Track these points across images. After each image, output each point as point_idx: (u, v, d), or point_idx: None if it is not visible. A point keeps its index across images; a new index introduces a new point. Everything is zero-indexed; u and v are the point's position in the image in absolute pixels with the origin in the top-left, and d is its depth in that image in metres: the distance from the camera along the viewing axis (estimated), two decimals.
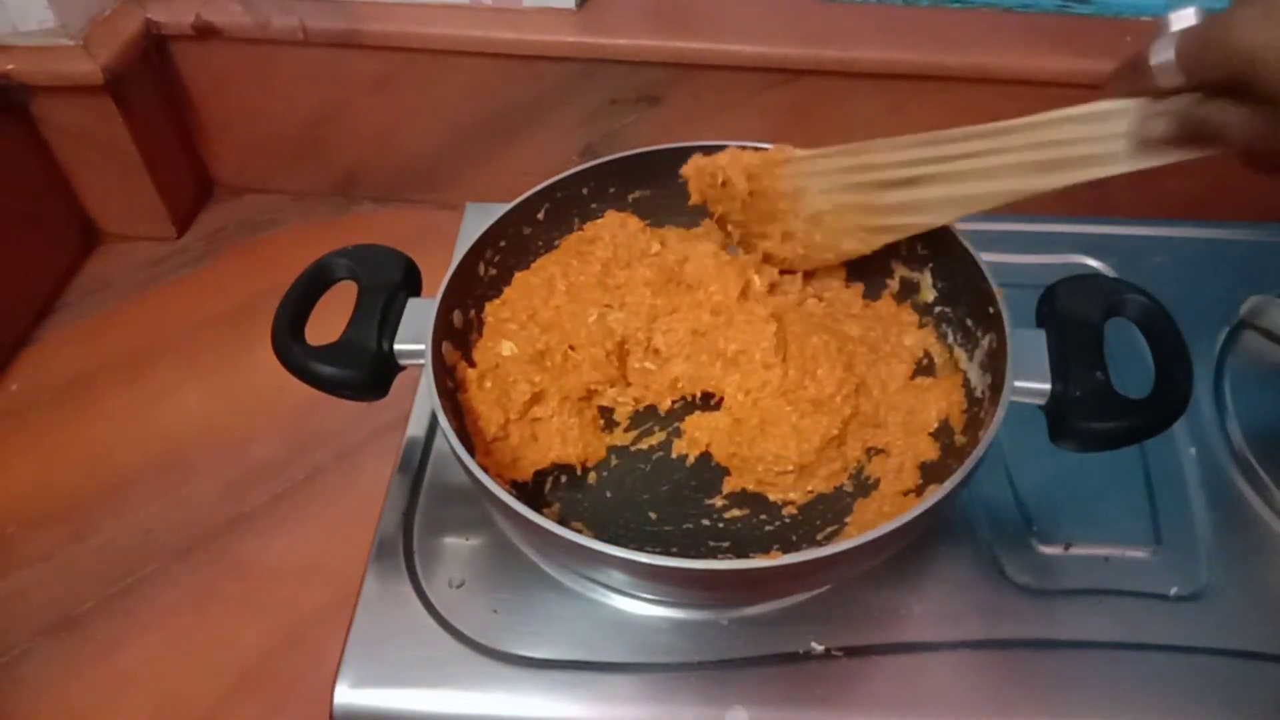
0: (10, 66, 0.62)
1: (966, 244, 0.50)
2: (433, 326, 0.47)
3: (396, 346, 0.47)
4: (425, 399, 0.58)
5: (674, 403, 0.53)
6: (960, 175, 0.46)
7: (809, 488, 0.50)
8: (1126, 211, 0.74)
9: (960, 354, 0.52)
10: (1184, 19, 0.36)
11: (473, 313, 0.53)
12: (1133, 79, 0.38)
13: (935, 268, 0.54)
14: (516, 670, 0.46)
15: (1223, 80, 0.34)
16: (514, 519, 0.40)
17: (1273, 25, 0.32)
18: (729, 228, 0.56)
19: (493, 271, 0.54)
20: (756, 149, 0.54)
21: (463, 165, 0.77)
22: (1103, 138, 0.41)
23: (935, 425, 0.50)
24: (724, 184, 0.53)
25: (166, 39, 0.69)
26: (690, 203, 0.56)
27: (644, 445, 0.53)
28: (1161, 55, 0.36)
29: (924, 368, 0.53)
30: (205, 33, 0.68)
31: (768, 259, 0.55)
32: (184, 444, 0.60)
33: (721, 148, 0.57)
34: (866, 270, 0.59)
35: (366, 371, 0.46)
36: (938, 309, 0.55)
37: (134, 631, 0.51)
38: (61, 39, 0.63)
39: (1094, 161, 0.41)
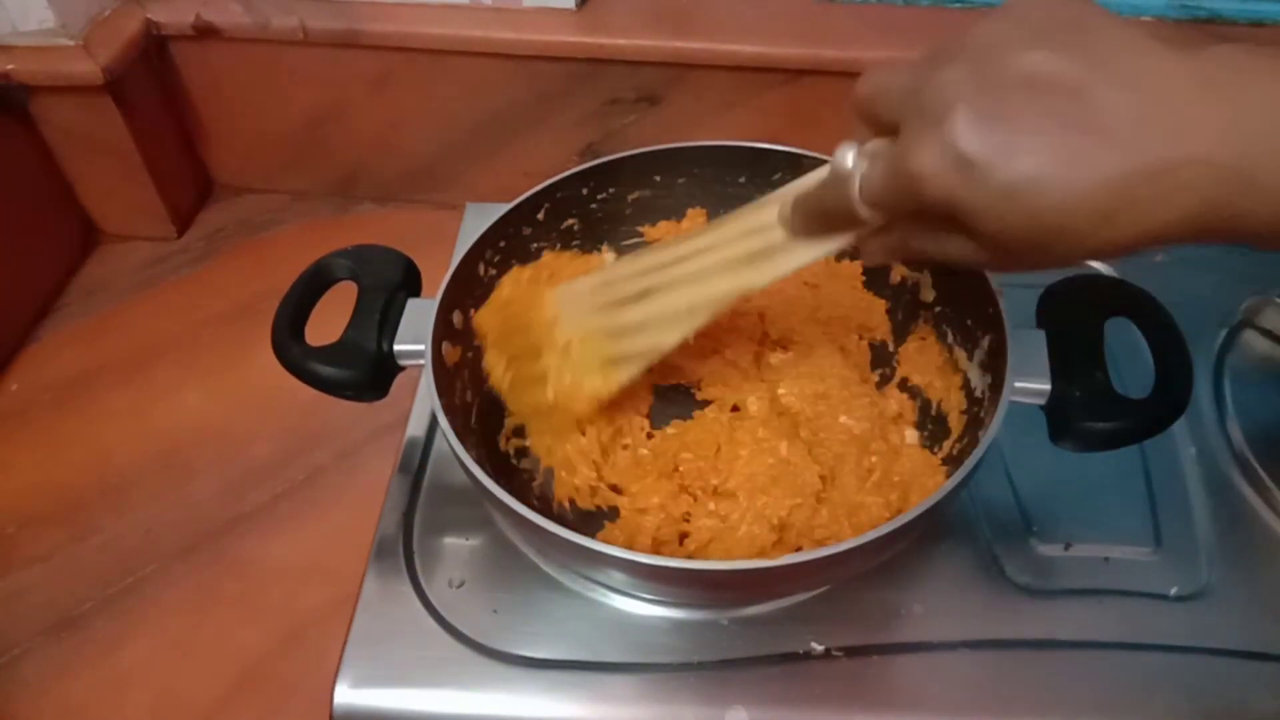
0: (10, 66, 0.62)
1: None
2: (433, 327, 0.47)
3: (396, 347, 0.47)
4: (425, 399, 0.58)
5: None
6: (680, 282, 0.44)
7: None
8: None
9: (960, 354, 0.52)
10: (852, 159, 0.33)
11: (473, 311, 0.53)
12: (832, 209, 0.35)
13: (935, 267, 0.54)
14: (516, 670, 0.46)
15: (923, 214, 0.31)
16: (514, 519, 0.40)
17: (960, 168, 0.27)
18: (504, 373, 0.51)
19: (492, 271, 0.54)
20: (756, 147, 0.54)
21: (463, 165, 0.77)
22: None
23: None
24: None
25: (166, 39, 0.69)
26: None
27: None
28: (853, 193, 0.32)
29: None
30: (205, 33, 0.68)
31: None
32: (184, 444, 0.60)
33: (721, 148, 0.58)
34: (867, 272, 0.59)
35: (366, 372, 0.46)
36: (938, 309, 0.55)
37: (134, 631, 0.51)
38: (61, 39, 0.63)
39: (782, 252, 0.39)
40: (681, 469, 0.50)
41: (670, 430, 0.52)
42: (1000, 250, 0.30)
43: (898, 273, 0.57)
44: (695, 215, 0.60)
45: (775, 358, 0.56)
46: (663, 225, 0.61)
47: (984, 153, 0.27)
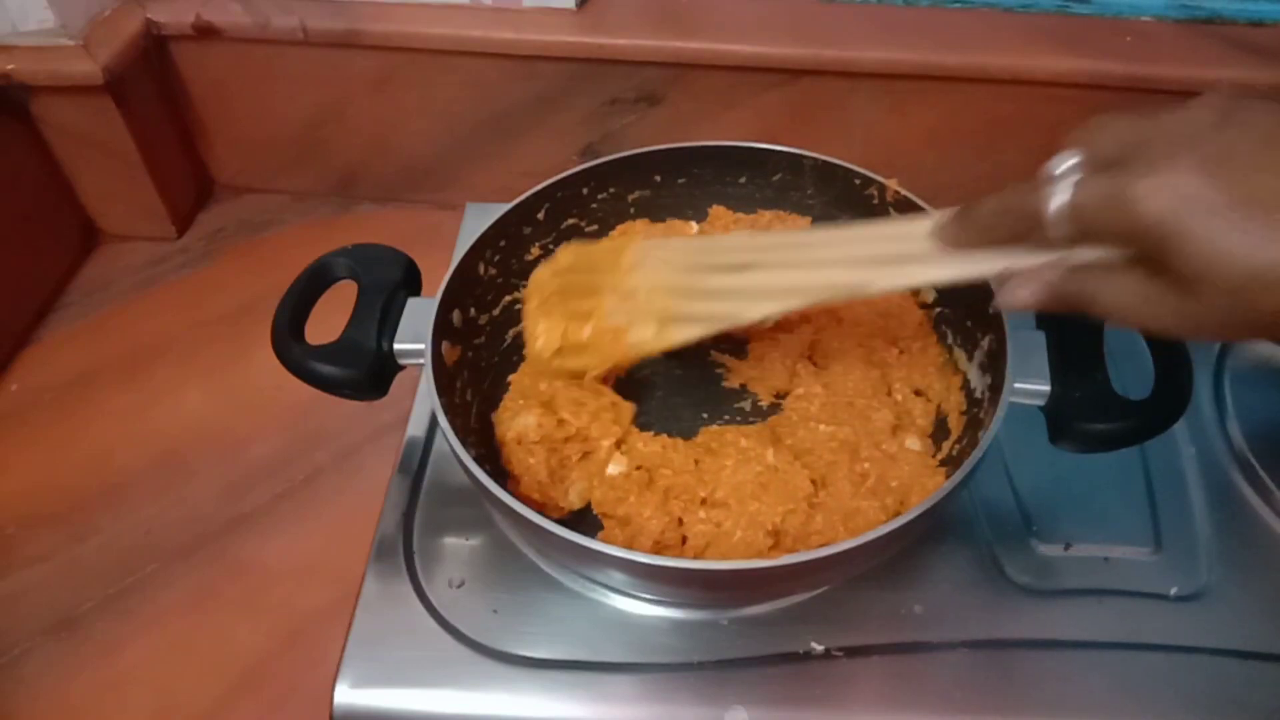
0: (10, 66, 0.62)
1: None
2: (432, 326, 0.47)
3: (396, 346, 0.47)
4: (425, 399, 0.58)
5: None
6: (790, 264, 0.43)
7: None
8: None
9: (960, 354, 0.52)
10: (1067, 167, 0.32)
11: (473, 310, 0.53)
12: (1015, 216, 0.34)
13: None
14: (516, 670, 0.46)
15: (1122, 245, 0.31)
16: (514, 519, 0.40)
17: (1200, 203, 0.28)
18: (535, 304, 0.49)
19: (492, 271, 0.54)
20: (756, 147, 0.54)
21: (463, 165, 0.77)
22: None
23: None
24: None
25: (166, 39, 0.69)
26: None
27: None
28: (1055, 203, 0.32)
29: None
30: (205, 33, 0.68)
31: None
32: (184, 444, 0.60)
33: (721, 148, 0.58)
34: None
35: (366, 371, 0.46)
36: (938, 309, 0.55)
37: (134, 631, 0.51)
38: (61, 39, 0.63)
39: (917, 262, 0.39)
40: (662, 484, 0.48)
41: (642, 446, 0.50)
42: (1192, 294, 0.29)
43: None
44: (719, 213, 0.60)
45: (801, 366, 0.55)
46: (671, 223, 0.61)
47: (1225, 183, 0.28)
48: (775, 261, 0.44)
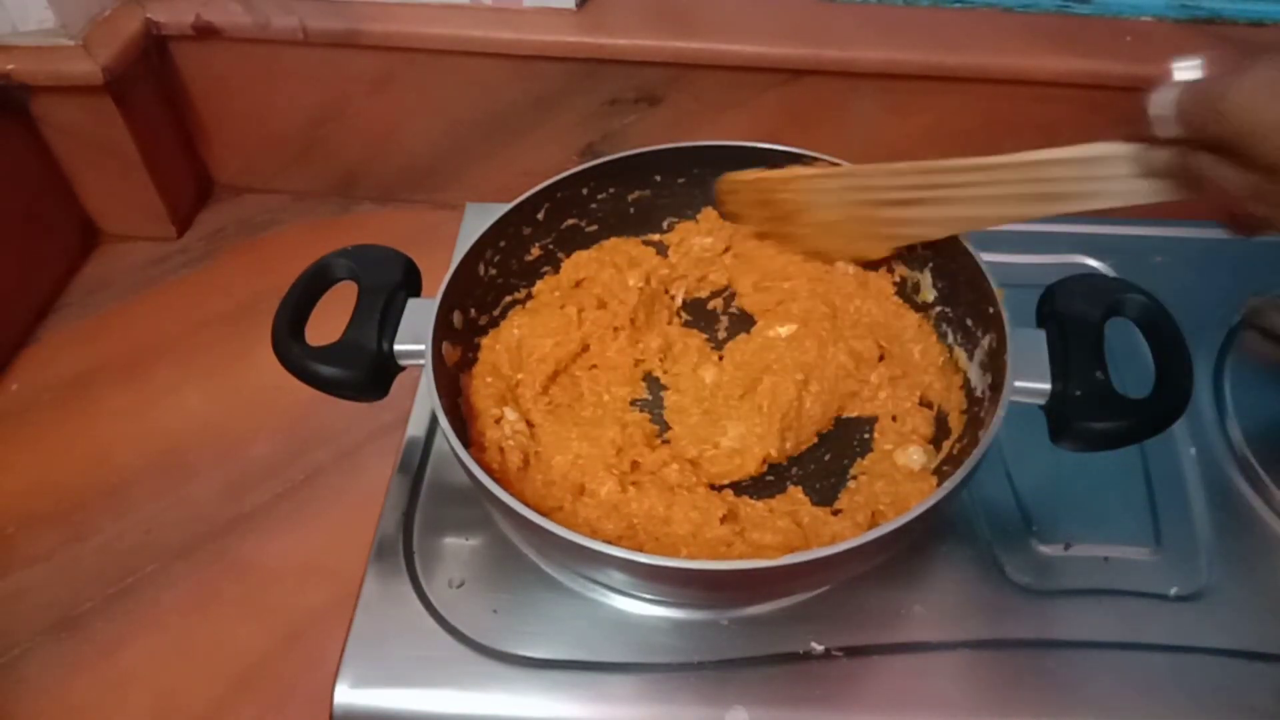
0: (10, 66, 0.62)
1: (967, 244, 0.50)
2: (433, 326, 0.47)
3: (396, 347, 0.47)
4: (425, 399, 0.58)
5: None
6: (953, 200, 0.48)
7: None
8: (1126, 212, 0.74)
9: (960, 354, 0.52)
10: (1187, 70, 0.36)
11: (473, 311, 0.53)
12: (1130, 126, 0.39)
13: (935, 267, 0.54)
14: (516, 670, 0.46)
15: (1215, 141, 0.35)
16: (514, 519, 0.40)
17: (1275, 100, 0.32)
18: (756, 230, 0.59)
19: (492, 271, 0.54)
20: (756, 147, 0.54)
21: (463, 165, 0.77)
22: (1098, 177, 0.42)
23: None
24: (731, 193, 0.57)
25: (166, 39, 0.69)
26: (723, 214, 0.59)
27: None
28: (1159, 108, 0.36)
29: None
30: (205, 33, 0.68)
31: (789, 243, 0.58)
32: (184, 444, 0.60)
33: (721, 148, 0.57)
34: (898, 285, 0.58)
35: (366, 372, 0.46)
36: (938, 309, 0.55)
37: (134, 631, 0.51)
38: (61, 39, 0.63)
39: (1087, 196, 0.43)
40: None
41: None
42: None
43: (897, 273, 0.57)
44: (708, 215, 0.60)
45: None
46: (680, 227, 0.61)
47: None
48: (938, 199, 0.49)
